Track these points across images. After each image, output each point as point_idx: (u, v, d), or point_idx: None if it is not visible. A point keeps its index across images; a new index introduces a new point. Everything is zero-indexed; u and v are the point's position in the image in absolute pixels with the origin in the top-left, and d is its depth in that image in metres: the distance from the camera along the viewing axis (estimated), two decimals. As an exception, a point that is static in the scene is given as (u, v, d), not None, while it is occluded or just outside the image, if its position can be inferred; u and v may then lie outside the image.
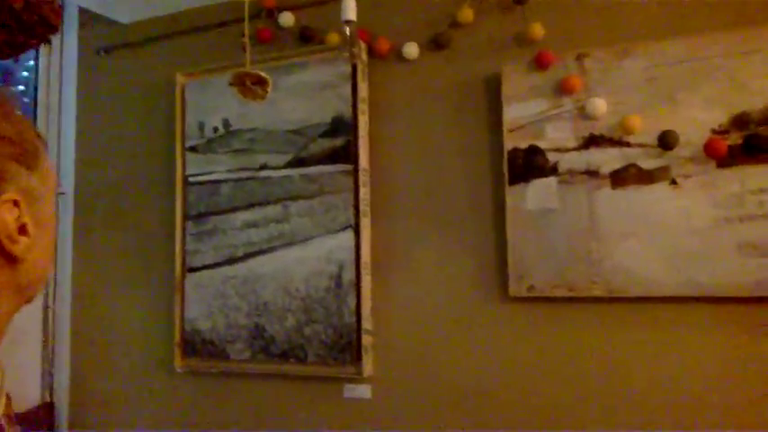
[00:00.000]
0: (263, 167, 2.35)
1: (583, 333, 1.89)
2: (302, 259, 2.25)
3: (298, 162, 2.30)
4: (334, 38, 2.26)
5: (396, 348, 2.13)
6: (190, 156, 2.47)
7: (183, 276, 2.44)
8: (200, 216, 2.44)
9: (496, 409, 1.98)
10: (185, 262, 2.44)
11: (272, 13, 2.40)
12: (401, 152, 2.18)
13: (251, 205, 2.37)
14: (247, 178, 2.38)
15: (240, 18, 2.46)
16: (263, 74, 1.44)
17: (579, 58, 1.90)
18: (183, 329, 2.42)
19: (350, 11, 1.49)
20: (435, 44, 2.14)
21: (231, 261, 2.38)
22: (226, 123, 2.43)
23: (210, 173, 2.44)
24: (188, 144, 2.48)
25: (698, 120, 1.75)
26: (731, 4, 1.79)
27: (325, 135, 2.26)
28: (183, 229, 2.46)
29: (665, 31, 1.84)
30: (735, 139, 1.70)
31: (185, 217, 2.46)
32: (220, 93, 2.43)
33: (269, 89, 1.43)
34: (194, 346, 2.40)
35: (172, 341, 2.42)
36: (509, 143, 1.96)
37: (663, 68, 1.80)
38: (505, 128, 1.97)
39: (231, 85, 1.45)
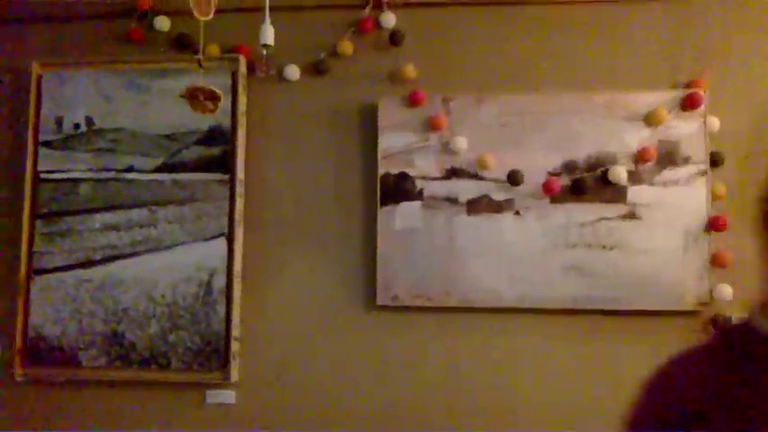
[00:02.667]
0: (130, 169, 2.30)
1: (438, 338, 2.17)
2: (169, 265, 2.26)
3: (169, 167, 2.30)
4: (213, 49, 2.31)
5: (264, 355, 2.23)
6: (43, 151, 2.33)
7: (29, 279, 2.29)
8: (53, 215, 2.31)
9: (359, 412, 2.18)
10: (32, 263, 2.29)
11: (144, 15, 2.37)
12: (278, 167, 2.30)
13: (113, 207, 2.31)
14: (110, 179, 2.31)
15: (112, 15, 2.41)
16: (216, 90, 1.49)
17: (445, 100, 2.19)
18: (26, 335, 2.27)
19: (268, 35, 1.60)
20: (316, 70, 2.30)
21: (87, 264, 2.29)
22: (89, 121, 2.34)
23: (67, 171, 2.32)
24: (42, 139, 2.34)
25: (538, 162, 2.14)
26: (564, 72, 2.20)
27: (200, 143, 2.29)
28: (31, 229, 2.31)
29: (514, 86, 2.21)
30: (565, 180, 2.11)
31: (34, 216, 2.31)
32: (84, 88, 2.33)
33: (219, 104, 1.48)
34: (39, 353, 2.26)
35: (12, 348, 2.25)
36: (382, 168, 2.19)
37: (512, 117, 2.16)
38: (379, 154, 2.19)
39: (183, 97, 1.47)
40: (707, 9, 2.18)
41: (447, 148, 2.17)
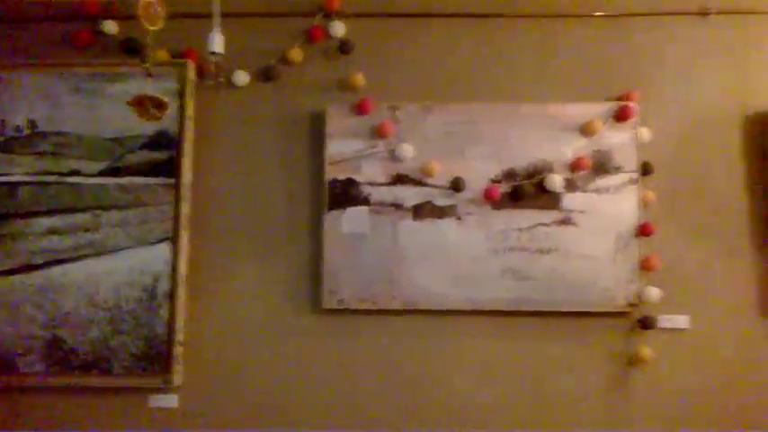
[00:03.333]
0: (74, 173, 2.28)
1: (383, 340, 2.22)
2: (112, 269, 2.23)
3: (113, 171, 2.28)
4: (162, 54, 2.31)
5: (208, 359, 2.23)
6: (-18, 153, 2.28)
7: (-36, 283, 2.22)
8: (-8, 219, 2.26)
9: (304, 415, 2.20)
10: (-32, 268, 2.23)
11: (92, 19, 2.35)
12: (226, 172, 2.31)
13: (55, 211, 2.27)
14: (53, 183, 2.28)
15: (59, 18, 2.38)
16: (164, 99, 1.51)
17: (392, 108, 2.26)
18: (-40, 342, 2.20)
19: (216, 44, 1.63)
20: (265, 76, 2.33)
21: (27, 269, 2.24)
22: (32, 124, 2.30)
23: (7, 174, 2.28)
24: (-19, 140, 2.29)
25: (479, 170, 2.22)
26: (506, 83, 2.30)
27: (145, 147, 2.29)
28: (-32, 232, 2.25)
29: (459, 96, 2.29)
30: (505, 188, 2.20)
31: (-29, 219, 2.26)
32: (28, 91, 2.30)
33: (166, 112, 1.50)
34: (-26, 359, 2.19)
35: (-55, 355, 2.18)
36: (329, 174, 2.23)
37: (455, 126, 2.24)
38: (327, 160, 2.24)
39: (129, 104, 1.48)
40: (639, 25, 2.31)
41: (393, 156, 2.24)
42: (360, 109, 2.24)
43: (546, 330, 2.20)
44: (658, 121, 2.27)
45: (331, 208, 2.22)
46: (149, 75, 1.60)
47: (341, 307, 2.20)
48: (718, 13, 2.30)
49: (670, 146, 2.27)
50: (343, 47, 2.30)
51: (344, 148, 2.25)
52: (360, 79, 2.28)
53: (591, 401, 2.18)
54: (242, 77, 2.32)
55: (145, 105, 1.50)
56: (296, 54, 2.31)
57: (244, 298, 2.25)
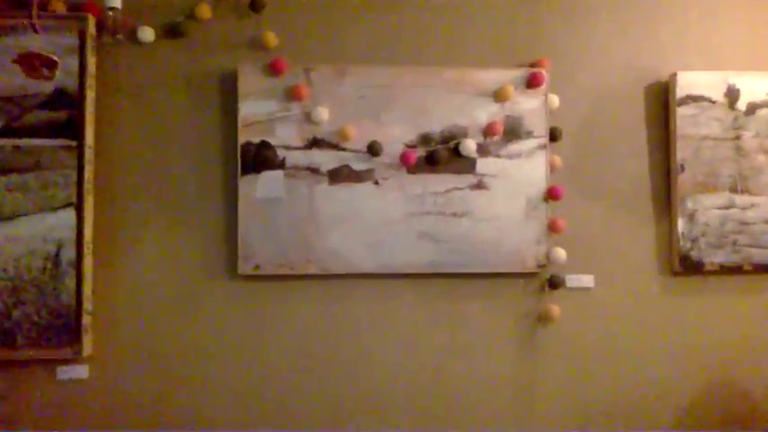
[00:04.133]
0: (-38, 134, 2.11)
1: (300, 305, 2.22)
2: (11, 237, 2.11)
3: (9, 132, 2.13)
4: (59, 5, 2.15)
5: (118, 328, 2.17)
6: None
7: None
8: None
9: (220, 384, 2.19)
10: None
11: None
12: (132, 133, 2.21)
13: (-57, 175, 2.11)
14: (-61, 144, 2.10)
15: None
16: (54, 57, 1.39)
17: (307, 70, 2.21)
18: None
19: (114, -1, 1.52)
20: (171, 32, 2.21)
21: None
22: None
23: None
24: None
25: (395, 134, 2.22)
26: (420, 47, 2.29)
27: (44, 106, 2.14)
28: None
29: (374, 60, 2.27)
30: (421, 152, 2.22)
31: None
32: None
33: (57, 71, 1.38)
34: None
35: None
36: (243, 137, 2.17)
37: (370, 90, 2.22)
38: (240, 123, 2.17)
39: (15, 62, 1.36)
40: (550, -6, 2.35)
41: (309, 119, 2.20)
42: (273, 69, 2.18)
43: (460, 292, 2.27)
44: (567, 88, 2.33)
45: (245, 172, 2.17)
46: (35, 29, 1.47)
47: (256, 273, 2.18)
48: (627, -19, 2.37)
49: (578, 112, 2.34)
50: (254, 4, 2.21)
51: (258, 110, 2.19)
52: (272, 38, 2.21)
53: (503, 358, 2.28)
54: (147, 34, 2.20)
55: (33, 63, 1.39)
56: (204, 10, 2.21)
57: (155, 265, 2.19)
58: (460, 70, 2.25)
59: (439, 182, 2.23)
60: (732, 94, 2.30)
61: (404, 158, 2.20)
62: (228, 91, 2.22)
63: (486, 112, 2.26)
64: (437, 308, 2.27)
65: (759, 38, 2.38)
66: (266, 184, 2.18)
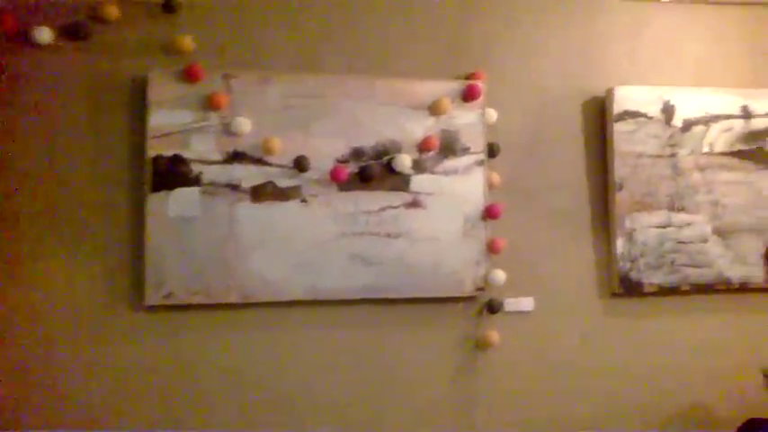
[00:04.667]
0: None
1: (218, 338, 1.99)
2: None
3: None
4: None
5: (12, 361, 1.87)
6: None
7: None
8: None
9: (124, 424, 1.92)
10: None
11: None
12: (27, 145, 1.94)
13: None
14: None
15: None
16: None
17: (226, 77, 2.01)
18: None
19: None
20: (73, 34, 1.97)
21: None
22: None
23: None
24: None
25: (325, 149, 2.05)
26: (352, 56, 2.14)
27: None
28: None
29: (299, 67, 2.10)
30: (352, 168, 2.05)
31: None
32: None
33: None
34: None
35: None
36: (153, 150, 1.95)
37: (298, 99, 2.05)
38: (149, 134, 1.95)
39: None
40: (489, 4, 2.25)
41: (228, 130, 2.00)
42: (188, 75, 1.97)
43: (395, 318, 2.11)
44: (505, 102, 2.23)
45: (155, 188, 1.94)
46: None
47: (168, 302, 1.94)
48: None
49: (516, 128, 2.25)
50: (168, 4, 2.00)
51: (171, 120, 1.97)
52: (187, 42, 2.00)
53: (439, 388, 2.12)
54: (45, 35, 1.95)
55: None
56: (111, 10, 1.98)
57: (48, 294, 1.91)
58: (395, 81, 2.12)
59: (372, 200, 2.07)
60: (668, 111, 2.27)
61: (334, 174, 2.03)
62: (138, 99, 1.99)
63: (422, 126, 2.12)
64: (371, 336, 2.09)
65: (694, 54, 2.37)
66: (180, 201, 1.96)
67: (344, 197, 2.05)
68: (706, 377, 2.29)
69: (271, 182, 2.02)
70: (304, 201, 2.03)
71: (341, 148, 2.06)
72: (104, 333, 1.94)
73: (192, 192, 1.97)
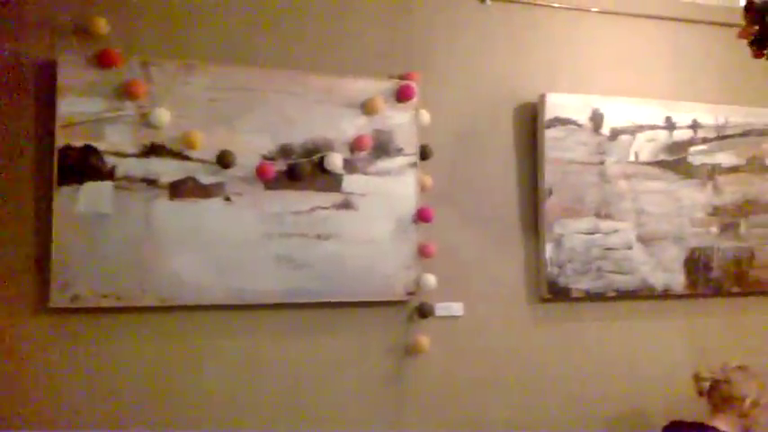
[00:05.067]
0: None
1: (132, 345, 1.85)
2: None
3: None
4: None
5: None
6: None
7: None
8: None
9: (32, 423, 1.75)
10: None
11: None
12: None
13: None
14: None
15: None
16: None
17: (145, 64, 1.87)
18: None
19: None
20: (-30, 9, 1.79)
21: None
22: None
23: None
24: None
25: (251, 145, 1.94)
26: (284, 49, 2.05)
27: None
28: None
29: (226, 57, 1.98)
30: (280, 165, 1.96)
31: None
32: None
33: None
34: None
35: None
36: (61, 140, 1.79)
37: (223, 92, 1.94)
38: (58, 122, 1.79)
39: None
40: (427, 6, 2.21)
41: (146, 121, 1.86)
42: (101, 60, 1.82)
43: (323, 323, 2.03)
44: (438, 104, 2.20)
45: (63, 182, 1.78)
46: None
47: (75, 305, 1.78)
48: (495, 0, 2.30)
49: (449, 130, 2.22)
50: (82, -18, 1.85)
51: (82, 108, 1.81)
52: (101, 24, 1.85)
53: (368, 395, 2.06)
54: (-62, 8, 1.76)
55: None
56: (17, -15, 1.81)
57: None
58: (328, 78, 2.04)
59: (301, 199, 1.98)
60: (596, 119, 2.30)
61: (261, 172, 1.93)
62: (45, 85, 1.82)
63: (354, 125, 2.05)
64: (297, 342, 2.00)
65: (623, 64, 2.41)
66: (90, 196, 1.80)
67: (271, 196, 1.95)
68: (632, 381, 2.33)
69: (191, 178, 1.89)
70: (228, 199, 1.92)
71: (268, 144, 1.96)
72: (4, 337, 1.75)
73: (104, 186, 1.82)
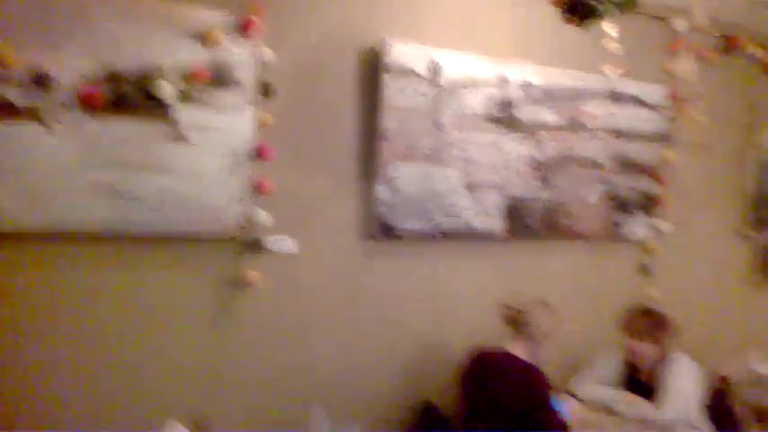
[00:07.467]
0: None
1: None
2: None
3: None
4: None
5: None
6: None
7: None
8: None
9: None
10: None
11: None
12: None
13: None
14: None
15: None
16: None
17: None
18: None
19: None
20: None
21: None
22: None
23: None
24: None
25: (74, 66, 1.83)
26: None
27: None
28: None
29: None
30: (106, 91, 1.86)
31: None
32: None
33: None
34: None
35: None
36: None
37: (45, 7, 1.79)
38: None
39: None
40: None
41: (-54, 30, 1.69)
42: None
43: (148, 256, 2.01)
44: (283, 43, 2.17)
45: None
46: None
47: None
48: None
49: (292, 71, 2.21)
50: None
51: None
52: None
53: (195, 331, 2.10)
54: None
55: None
56: None
57: None
58: (165, 4, 1.95)
59: (126, 128, 1.91)
60: (435, 70, 2.40)
61: (83, 97, 1.83)
62: None
63: (190, 56, 1.99)
64: (122, 276, 1.97)
65: (464, 20, 2.49)
66: None
67: (94, 123, 1.86)
68: (454, 316, 2.55)
69: (3, 98, 1.76)
70: (44, 123, 1.81)
71: (94, 68, 1.86)
72: None
73: None
